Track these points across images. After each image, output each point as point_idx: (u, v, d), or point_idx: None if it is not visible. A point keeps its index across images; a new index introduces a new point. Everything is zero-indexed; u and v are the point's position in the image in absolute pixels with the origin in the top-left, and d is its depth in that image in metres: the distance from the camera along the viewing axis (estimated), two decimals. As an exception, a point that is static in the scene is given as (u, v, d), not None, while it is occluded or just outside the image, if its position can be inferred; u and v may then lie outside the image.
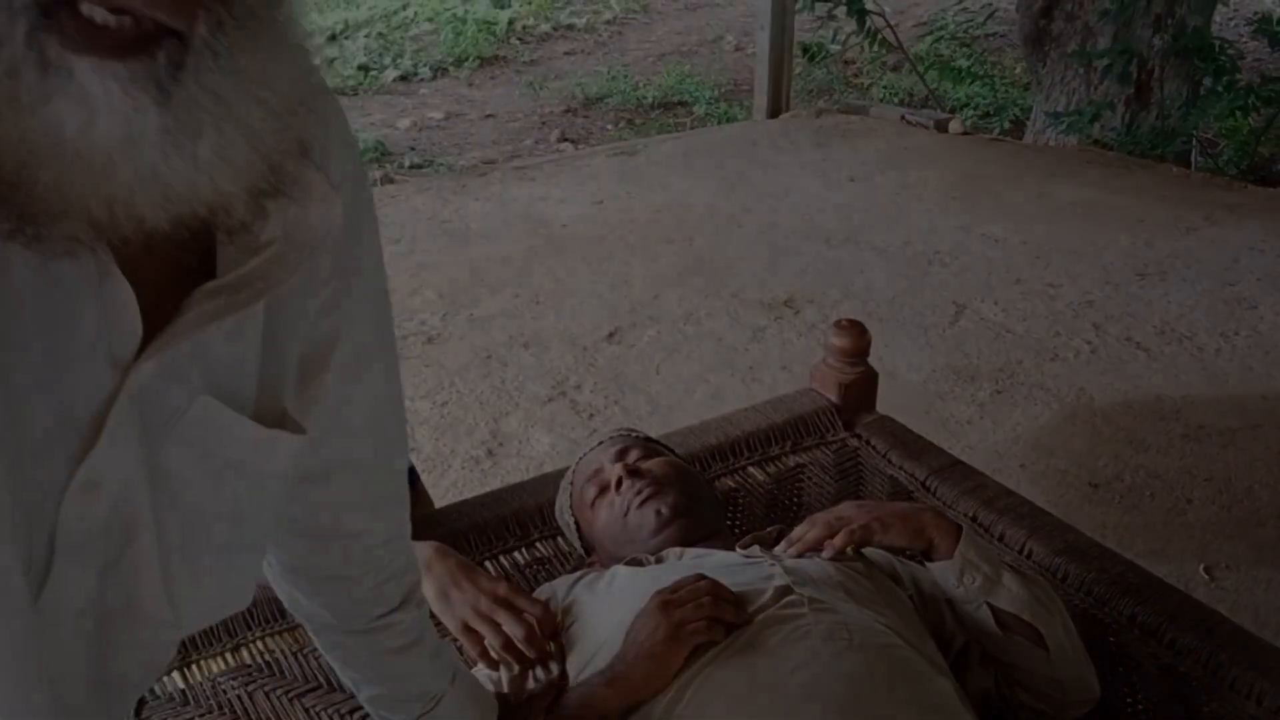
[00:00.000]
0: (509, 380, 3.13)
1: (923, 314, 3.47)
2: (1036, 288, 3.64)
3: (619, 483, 1.49)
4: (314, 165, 0.72)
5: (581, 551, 1.56)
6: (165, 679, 1.33)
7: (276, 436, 0.77)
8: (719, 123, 6.41)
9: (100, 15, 0.55)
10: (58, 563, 0.68)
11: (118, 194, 0.58)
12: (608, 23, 8.64)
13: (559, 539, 1.60)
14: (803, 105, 6.11)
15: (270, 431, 0.77)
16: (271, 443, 0.77)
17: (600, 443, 1.61)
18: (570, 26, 8.45)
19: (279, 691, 1.33)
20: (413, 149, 5.93)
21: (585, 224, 4.25)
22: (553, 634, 1.35)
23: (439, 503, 1.79)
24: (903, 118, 5.61)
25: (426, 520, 1.54)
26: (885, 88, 7.02)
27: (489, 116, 6.60)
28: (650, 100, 6.89)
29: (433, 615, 1.25)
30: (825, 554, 1.33)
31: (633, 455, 1.54)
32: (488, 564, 1.53)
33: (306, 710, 1.31)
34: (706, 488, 1.58)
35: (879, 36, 5.71)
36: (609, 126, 6.53)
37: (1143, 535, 2.47)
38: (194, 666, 1.35)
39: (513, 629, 1.32)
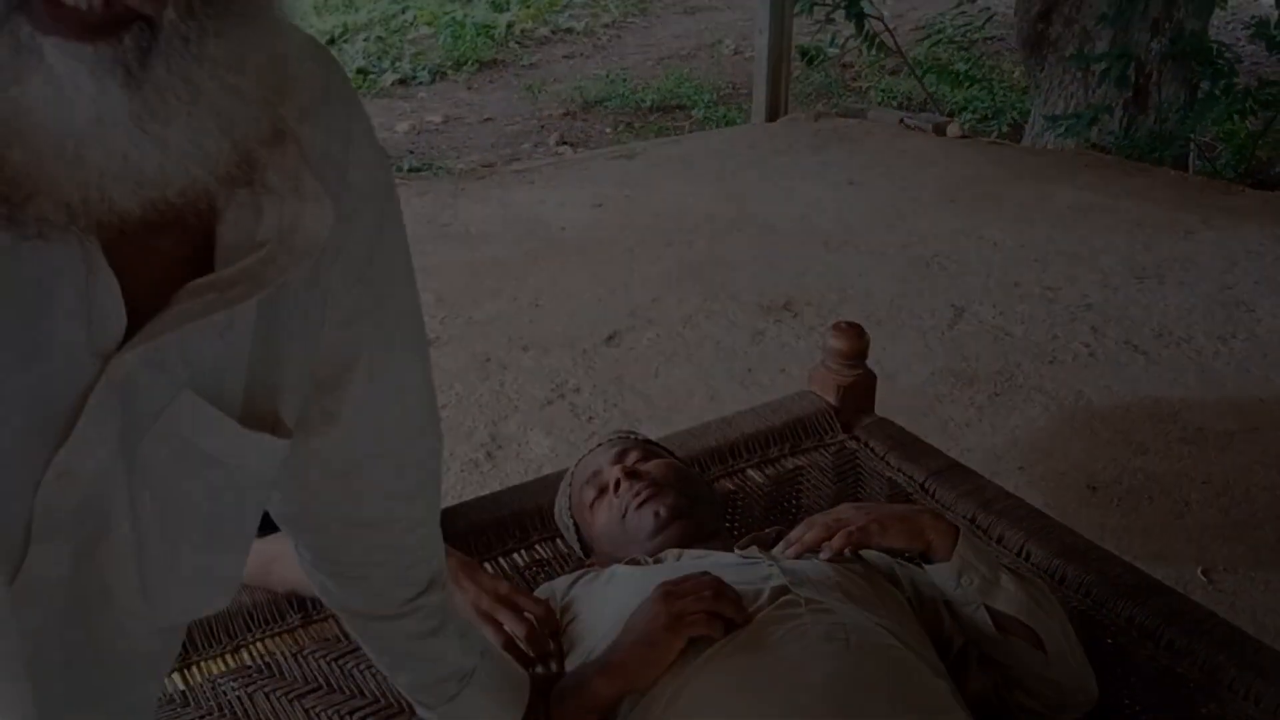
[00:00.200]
0: (508, 383, 3.13)
1: (921, 317, 3.48)
2: (1035, 291, 3.64)
3: (617, 485, 1.49)
4: (305, 162, 0.72)
5: (580, 553, 1.56)
6: (165, 680, 1.33)
7: (259, 439, 0.77)
8: (717, 126, 6.42)
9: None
10: (32, 549, 0.68)
11: (88, 177, 0.59)
12: (606, 26, 8.65)
13: (558, 541, 1.60)
14: (801, 109, 6.12)
15: (252, 434, 0.76)
16: (253, 443, 0.77)
17: (599, 445, 1.61)
18: (569, 30, 8.45)
19: (279, 693, 1.33)
20: (411, 152, 5.93)
21: (584, 227, 4.26)
22: (553, 632, 1.35)
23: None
24: (901, 121, 5.62)
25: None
26: (883, 91, 7.03)
27: (487, 120, 6.60)
28: (649, 104, 6.89)
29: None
30: (823, 555, 1.33)
31: (631, 457, 1.54)
32: (487, 566, 1.54)
33: (306, 711, 1.32)
34: (705, 489, 1.58)
35: (877, 40, 5.72)
36: (608, 130, 6.54)
37: (1141, 538, 2.48)
38: (194, 668, 1.36)
39: (514, 627, 1.33)
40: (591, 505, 1.51)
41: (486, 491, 2.01)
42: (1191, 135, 5.40)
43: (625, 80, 7.22)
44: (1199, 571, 2.38)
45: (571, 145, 6.17)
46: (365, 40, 7.70)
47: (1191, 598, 1.48)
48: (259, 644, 1.39)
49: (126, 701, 0.86)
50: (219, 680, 1.34)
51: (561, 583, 1.43)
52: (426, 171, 5.51)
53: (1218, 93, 5.10)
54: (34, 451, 0.66)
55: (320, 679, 1.36)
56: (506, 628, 1.33)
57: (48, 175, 0.58)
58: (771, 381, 3.08)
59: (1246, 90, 5.10)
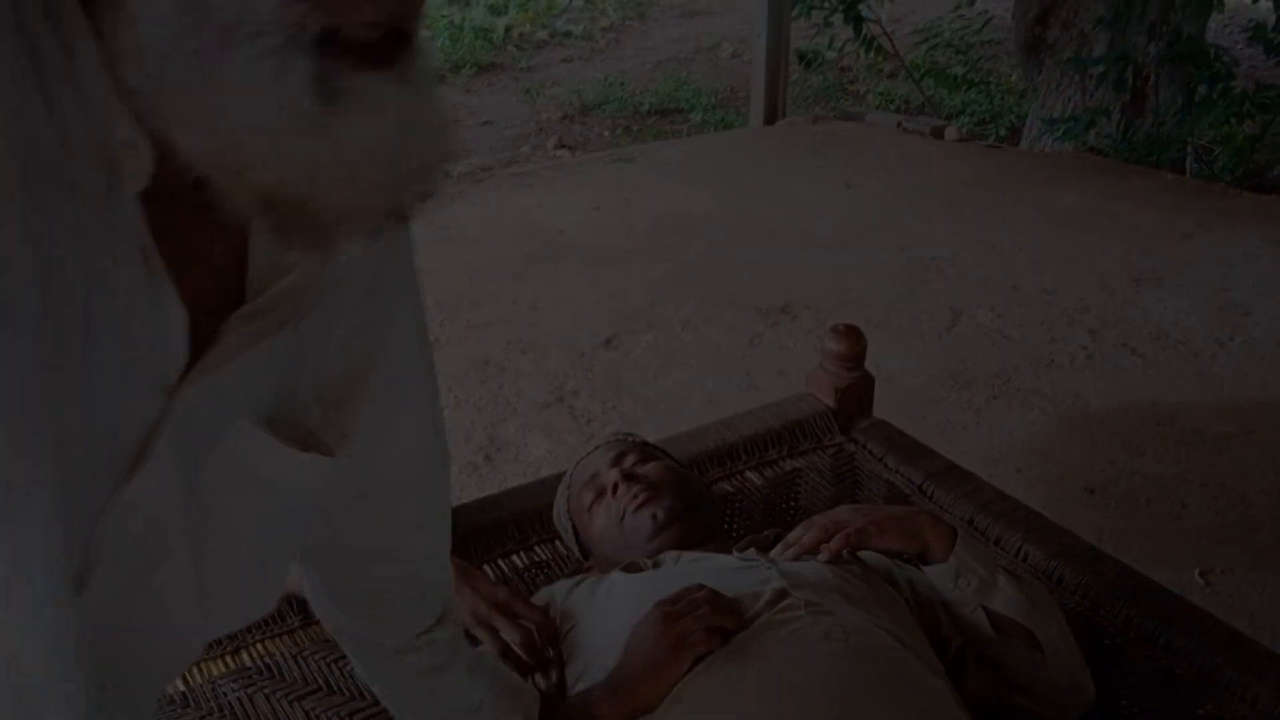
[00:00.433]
0: (507, 386, 3.13)
1: (919, 320, 3.48)
2: (1032, 294, 3.65)
3: (615, 487, 1.50)
4: None
5: (579, 555, 1.56)
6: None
7: (309, 459, 0.78)
8: (715, 129, 6.43)
9: (362, 34, 0.57)
10: (94, 574, 0.69)
11: (378, 197, 0.62)
12: (605, 30, 8.66)
13: (557, 543, 1.61)
14: (799, 112, 6.13)
15: (302, 455, 0.77)
16: (304, 464, 0.78)
17: (597, 447, 1.61)
18: (567, 34, 8.46)
19: (279, 694, 1.34)
20: (410, 155, 5.93)
21: (582, 230, 4.26)
22: (551, 639, 1.35)
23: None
24: (899, 125, 5.63)
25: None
26: (881, 95, 7.04)
27: (486, 123, 6.61)
28: (647, 107, 6.90)
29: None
30: (822, 557, 1.34)
31: (629, 460, 1.55)
32: (486, 567, 1.54)
33: (306, 713, 1.32)
34: (703, 492, 1.59)
35: (875, 44, 5.73)
36: (606, 133, 6.55)
37: (1138, 540, 2.48)
38: (194, 669, 1.36)
39: (511, 635, 1.33)
40: (590, 508, 1.52)
41: (485, 494, 2.02)
42: (1189, 138, 5.41)
43: (623, 84, 7.23)
44: (1196, 574, 2.39)
45: (570, 149, 6.17)
46: (364, 43, 7.70)
47: (1189, 600, 1.48)
48: (259, 645, 1.39)
49: (149, 701, 0.87)
50: (219, 681, 1.34)
51: (560, 588, 1.43)
52: (425, 175, 5.50)
53: (1215, 96, 5.11)
54: (99, 483, 0.67)
55: (320, 680, 1.36)
56: (504, 635, 1.33)
57: (355, 203, 0.61)
58: (770, 384, 3.08)
59: (1244, 94, 5.11)
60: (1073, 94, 5.47)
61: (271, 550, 0.84)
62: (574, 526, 1.56)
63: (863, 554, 1.38)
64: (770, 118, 5.69)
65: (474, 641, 1.33)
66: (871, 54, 5.82)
